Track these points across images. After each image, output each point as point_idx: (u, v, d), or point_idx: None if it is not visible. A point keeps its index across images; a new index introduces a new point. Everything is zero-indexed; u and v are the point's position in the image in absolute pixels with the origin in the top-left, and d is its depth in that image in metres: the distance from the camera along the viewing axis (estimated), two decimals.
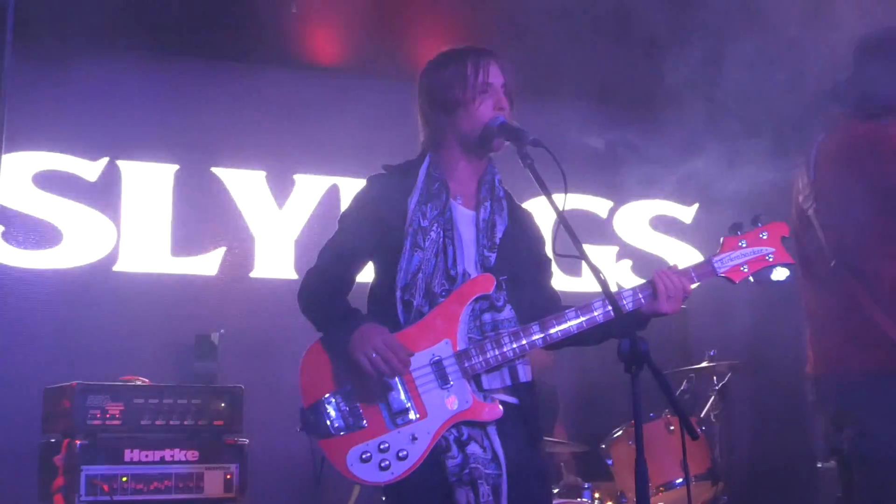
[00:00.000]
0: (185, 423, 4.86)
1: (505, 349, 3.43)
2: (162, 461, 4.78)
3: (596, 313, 3.49)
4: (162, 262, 6.75)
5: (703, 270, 3.73)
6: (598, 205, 7.85)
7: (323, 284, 3.57)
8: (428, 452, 3.37)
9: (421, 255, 3.47)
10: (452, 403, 3.41)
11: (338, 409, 3.39)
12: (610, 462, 6.00)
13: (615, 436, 6.02)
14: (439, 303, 3.45)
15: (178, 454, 4.81)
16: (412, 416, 3.38)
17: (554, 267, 7.13)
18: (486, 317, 3.49)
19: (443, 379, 3.41)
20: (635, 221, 7.96)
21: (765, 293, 7.79)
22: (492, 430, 3.44)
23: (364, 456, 3.35)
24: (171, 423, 4.84)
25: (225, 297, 6.77)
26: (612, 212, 7.90)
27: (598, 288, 3.21)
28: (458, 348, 3.42)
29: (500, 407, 3.44)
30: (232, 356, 6.29)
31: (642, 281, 7.58)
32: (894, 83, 4.19)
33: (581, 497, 5.84)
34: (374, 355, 3.30)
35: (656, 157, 7.38)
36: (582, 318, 3.48)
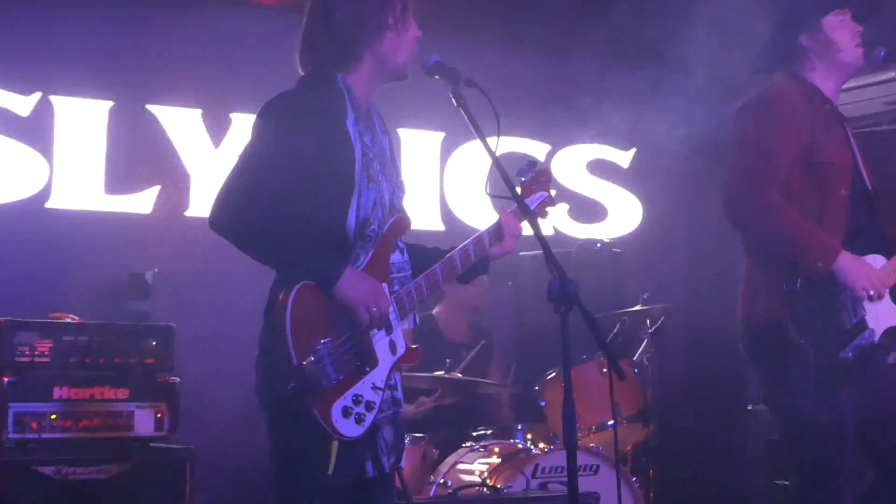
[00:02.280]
0: (116, 361, 4.80)
1: (425, 293, 3.46)
2: (91, 399, 4.74)
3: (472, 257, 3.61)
4: (95, 199, 6.65)
5: (521, 214, 3.69)
6: (535, 148, 7.83)
7: (275, 214, 3.23)
8: (382, 400, 3.33)
9: (375, 188, 3.38)
10: (394, 349, 3.40)
11: (326, 362, 3.18)
12: (543, 404, 6.03)
13: (548, 378, 6.05)
14: (378, 240, 3.39)
15: (108, 392, 4.77)
16: (370, 365, 3.31)
17: (489, 208, 7.18)
18: (394, 257, 3.46)
19: (388, 326, 3.37)
20: (573, 165, 7.95)
21: (696, 238, 7.90)
22: (396, 377, 3.47)
23: (347, 409, 3.21)
24: (101, 360, 4.78)
25: (159, 236, 6.69)
26: (549, 155, 7.89)
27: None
28: (393, 293, 3.41)
29: (420, 350, 3.50)
30: (165, 295, 6.24)
31: (579, 224, 7.66)
32: (781, 40, 4.33)
33: (514, 438, 5.86)
34: (374, 310, 3.24)
35: (594, 100, 7.39)
36: (460, 269, 3.58)
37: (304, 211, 3.28)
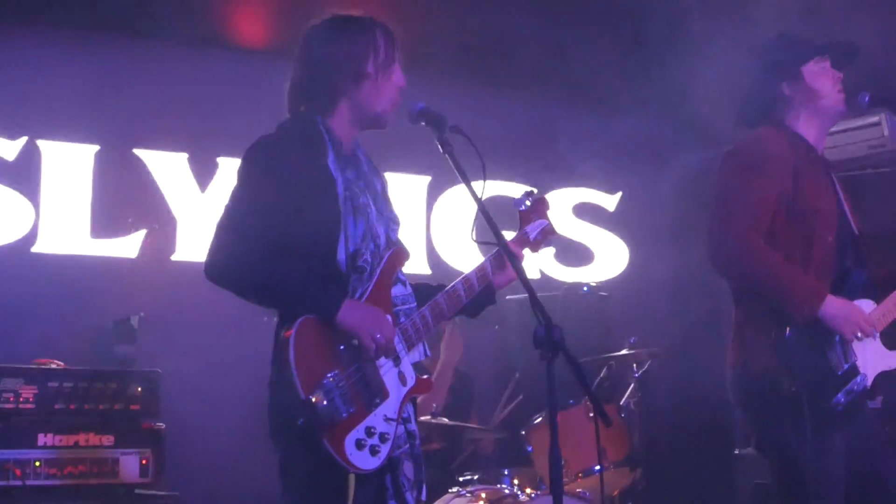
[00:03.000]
0: (101, 407, 4.79)
1: (429, 321, 3.48)
2: (76, 446, 4.72)
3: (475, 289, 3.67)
4: (81, 243, 6.65)
5: (521, 241, 3.94)
6: (520, 192, 7.84)
7: (266, 256, 3.26)
8: (397, 433, 3.34)
9: (364, 221, 3.41)
10: (404, 381, 3.42)
11: (335, 395, 3.17)
12: (530, 449, 6.01)
13: (535, 422, 6.04)
14: (376, 273, 3.41)
15: (93, 438, 4.75)
16: (380, 397, 3.31)
17: (476, 252, 7.17)
18: (395, 290, 3.49)
19: (395, 357, 3.39)
20: (559, 209, 7.97)
21: (683, 283, 7.91)
22: (410, 409, 3.48)
23: (361, 442, 3.21)
24: (87, 406, 4.76)
25: (145, 281, 6.68)
26: None
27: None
28: (398, 324, 3.42)
29: (432, 381, 3.55)
30: (151, 340, 6.21)
31: (565, 268, 7.67)
32: (762, 90, 4.36)
33: (501, 483, 5.84)
34: (378, 337, 3.25)
35: (581, 145, 7.42)
36: (462, 300, 3.62)
37: (295, 249, 3.31)
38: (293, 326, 3.18)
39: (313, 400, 3.10)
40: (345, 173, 3.42)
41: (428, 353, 3.57)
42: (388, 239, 3.53)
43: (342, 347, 3.24)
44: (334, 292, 3.26)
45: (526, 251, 3.94)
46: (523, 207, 3.98)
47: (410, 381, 3.42)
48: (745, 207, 4.10)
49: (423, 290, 3.66)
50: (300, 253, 3.32)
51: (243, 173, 3.39)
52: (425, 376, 3.51)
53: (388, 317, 3.37)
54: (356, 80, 3.49)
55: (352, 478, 3.20)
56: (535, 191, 4.05)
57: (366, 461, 3.20)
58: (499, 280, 3.72)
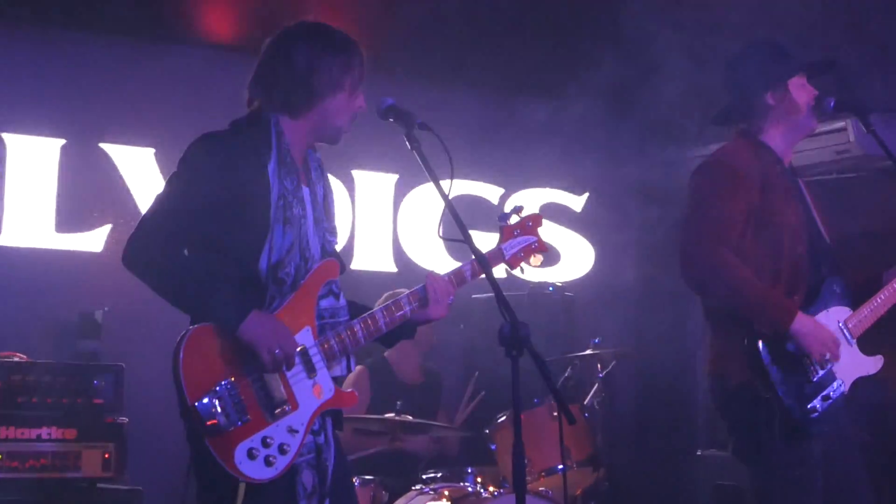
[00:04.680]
0: (64, 401, 4.76)
1: (359, 336, 3.46)
2: (38, 439, 4.69)
3: (408, 312, 3.60)
4: (46, 237, 6.60)
5: (496, 258, 3.86)
6: (489, 191, 7.87)
7: (175, 256, 3.29)
8: (302, 444, 3.31)
9: (292, 232, 3.37)
10: (319, 393, 3.39)
11: (226, 403, 3.17)
12: (494, 447, 6.02)
13: (499, 421, 6.05)
14: (300, 284, 3.39)
15: (56, 432, 4.72)
16: (287, 408, 3.29)
17: (443, 251, 7.18)
18: (325, 303, 3.47)
19: (310, 369, 3.37)
20: (526, 209, 7.99)
21: (648, 284, 7.95)
22: (328, 421, 3.47)
23: (253, 452, 3.19)
24: (49, 400, 4.73)
25: (110, 275, 6.59)
26: (503, 199, 7.93)
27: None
28: (317, 336, 3.40)
29: (357, 394, 3.50)
30: (116, 335, 6.19)
31: (531, 268, 7.66)
32: (746, 95, 4.39)
33: (464, 481, 5.84)
34: (277, 352, 3.22)
35: (547, 146, 7.44)
36: (398, 315, 3.57)
37: (217, 251, 3.33)
38: (187, 333, 3.20)
39: (197, 406, 3.14)
40: (283, 181, 3.39)
41: (351, 368, 3.54)
42: (324, 251, 3.53)
43: (243, 358, 3.23)
44: (238, 303, 3.23)
45: (502, 266, 3.92)
46: (505, 223, 3.93)
47: (327, 394, 3.39)
48: (715, 223, 4.11)
49: (359, 308, 3.63)
50: (222, 255, 3.33)
51: (181, 166, 3.40)
52: (349, 390, 3.49)
53: (308, 329, 3.37)
54: (333, 90, 3.50)
55: (242, 486, 3.18)
56: (524, 207, 4.00)
57: (258, 471, 3.19)
58: (419, 316, 3.64)
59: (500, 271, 3.78)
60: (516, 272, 3.99)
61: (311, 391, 3.36)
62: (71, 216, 6.67)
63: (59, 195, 6.65)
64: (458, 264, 7.21)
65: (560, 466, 5.37)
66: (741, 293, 4.04)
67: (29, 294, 6.41)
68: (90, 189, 6.75)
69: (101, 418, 4.86)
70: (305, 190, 3.51)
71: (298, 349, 3.32)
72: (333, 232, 3.62)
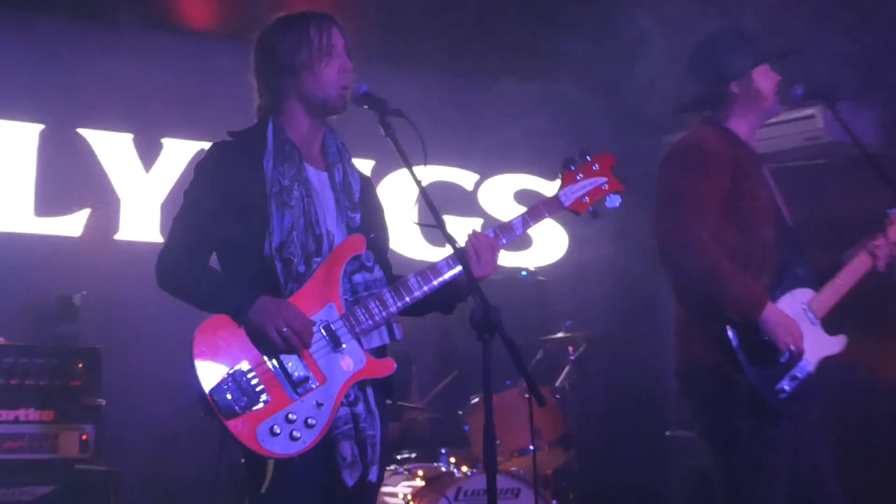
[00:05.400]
0: (41, 383, 4.74)
1: (390, 308, 3.45)
2: (16, 421, 4.68)
3: (446, 275, 3.52)
4: (24, 221, 6.59)
5: (552, 206, 3.75)
6: (464, 177, 7.88)
7: (189, 260, 3.44)
8: (332, 417, 3.34)
9: (291, 213, 3.43)
10: (349, 365, 3.40)
11: (241, 388, 3.25)
12: (467, 428, 6.05)
13: (472, 403, 6.08)
14: (314, 262, 3.43)
15: (33, 414, 4.71)
16: (313, 384, 3.33)
17: (419, 237, 7.18)
18: (358, 277, 3.50)
19: (335, 342, 3.39)
20: (500, 194, 8.01)
21: (620, 269, 7.98)
22: (369, 391, 3.49)
23: (274, 429, 3.25)
24: (27, 382, 4.72)
25: (89, 259, 6.64)
26: (477, 184, 7.94)
27: None
28: (342, 311, 3.42)
29: (392, 363, 3.48)
30: (94, 318, 6.16)
31: (505, 252, 7.67)
32: (712, 85, 4.41)
33: (438, 461, 5.87)
34: (285, 330, 3.27)
35: (523, 132, 7.45)
36: (434, 281, 3.51)
37: (231, 248, 3.46)
38: (199, 327, 3.28)
39: (211, 393, 3.21)
40: (278, 169, 3.47)
41: (396, 336, 3.54)
42: (349, 228, 3.54)
43: (258, 342, 3.30)
44: (248, 294, 3.32)
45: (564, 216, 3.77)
46: (567, 169, 3.77)
47: (358, 365, 3.41)
48: (693, 206, 4.12)
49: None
50: (235, 251, 3.46)
51: (189, 184, 3.53)
52: (385, 359, 3.48)
53: (332, 305, 3.40)
54: (293, 73, 3.55)
55: (270, 461, 3.26)
56: (590, 149, 3.81)
57: (282, 447, 3.25)
58: (477, 271, 3.53)
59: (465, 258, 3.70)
60: (586, 216, 3.81)
61: (339, 364, 3.38)
62: (50, 200, 6.66)
63: (37, 180, 6.64)
64: (434, 249, 7.31)
65: (531, 447, 5.38)
66: (717, 279, 4.05)
67: (7, 277, 6.38)
68: (69, 174, 6.74)
69: (79, 400, 4.86)
70: (315, 173, 3.58)
71: (321, 325, 3.37)
72: (355, 209, 3.60)
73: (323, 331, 3.38)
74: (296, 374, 3.31)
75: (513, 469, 5.66)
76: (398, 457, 5.95)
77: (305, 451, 3.28)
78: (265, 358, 3.31)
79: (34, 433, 4.68)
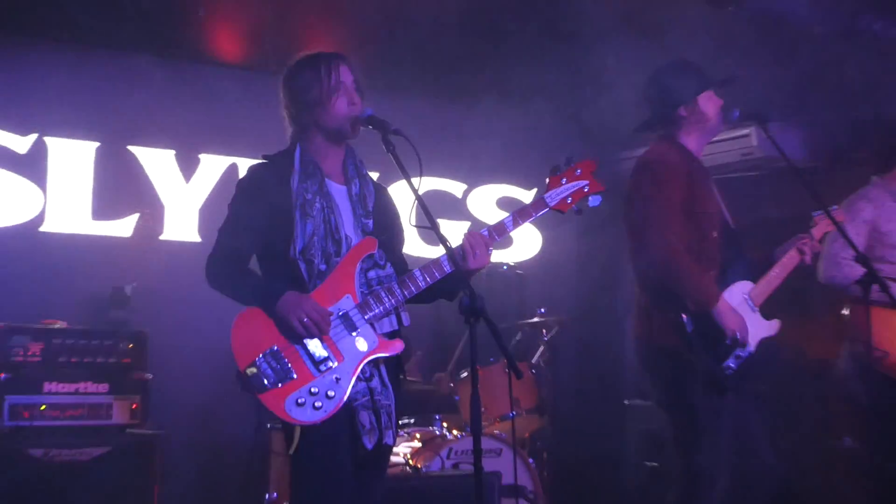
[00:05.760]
0: (98, 360, 4.73)
1: (398, 297, 3.48)
2: (76, 392, 4.66)
3: (447, 269, 3.52)
4: (83, 224, 6.55)
5: (538, 206, 3.68)
6: (454, 187, 7.85)
7: (231, 264, 3.51)
8: (349, 389, 3.38)
9: (312, 222, 3.47)
10: (363, 345, 3.44)
11: (270, 367, 3.32)
12: (457, 398, 6.04)
13: (462, 377, 6.06)
14: (334, 262, 3.46)
15: (90, 387, 4.69)
16: (332, 362, 3.37)
17: (416, 236, 7.14)
18: (372, 273, 3.53)
19: (351, 327, 3.42)
20: (485, 202, 7.98)
21: (584, 264, 7.97)
22: (382, 368, 3.52)
23: (299, 401, 3.31)
24: (85, 360, 4.70)
25: (137, 256, 6.61)
26: (465, 193, 7.92)
27: None
28: (358, 300, 3.45)
29: (401, 343, 3.52)
30: (142, 306, 6.14)
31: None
32: (664, 108, 4.40)
33: (433, 426, 5.86)
34: (305, 319, 3.31)
35: (504, 148, 7.43)
36: (437, 273, 3.51)
37: (263, 252, 3.55)
38: (236, 318, 3.37)
39: (246, 373, 3.27)
40: (302, 185, 3.52)
41: (404, 322, 3.57)
42: (363, 232, 3.58)
43: (285, 329, 3.36)
44: (274, 289, 3.38)
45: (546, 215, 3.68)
46: (553, 175, 3.70)
47: (371, 346, 3.44)
48: (659, 211, 4.12)
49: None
50: (269, 255, 3.54)
51: (232, 198, 3.60)
52: (395, 340, 3.51)
53: (348, 296, 3.44)
54: (310, 109, 3.60)
55: (297, 428, 3.32)
56: (574, 157, 3.76)
57: (306, 415, 3.30)
58: (472, 263, 3.51)
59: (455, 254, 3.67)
60: (570, 213, 3.71)
61: (354, 345, 3.42)
62: (104, 207, 6.63)
63: (94, 189, 6.60)
64: (428, 248, 7.27)
65: (511, 413, 5.37)
66: (679, 275, 4.05)
67: (68, 271, 6.35)
68: (120, 184, 6.70)
69: (129, 375, 4.83)
70: (336, 188, 3.61)
71: (339, 313, 3.41)
72: (368, 216, 3.63)
73: (340, 318, 3.40)
74: (317, 354, 3.35)
75: (496, 432, 5.65)
76: (399, 422, 5.92)
77: (328, 419, 3.31)
78: (290, 342, 3.34)
79: (91, 403, 4.67)
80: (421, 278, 3.50)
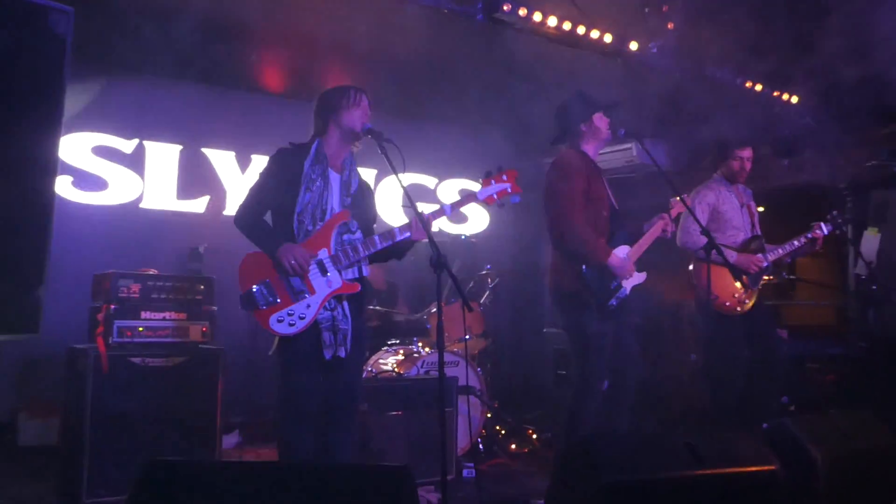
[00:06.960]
0: (178, 297, 4.66)
1: (361, 253, 3.45)
2: (164, 319, 4.59)
3: (398, 237, 3.53)
4: (171, 202, 6.47)
5: (470, 198, 3.71)
6: (428, 180, 7.79)
7: (252, 215, 3.48)
8: (317, 314, 3.35)
9: (311, 194, 3.43)
10: (330, 284, 3.41)
11: (262, 293, 3.32)
12: (429, 326, 6.01)
13: (432, 311, 6.03)
14: (319, 225, 3.43)
15: (174, 315, 4.62)
16: (306, 294, 3.36)
17: (401, 214, 7.00)
18: (346, 237, 3.50)
19: (323, 271, 3.40)
20: (451, 191, 7.94)
21: (517, 235, 7.95)
22: (345, 304, 3.47)
23: (279, 319, 3.31)
24: (171, 296, 4.63)
25: (208, 226, 6.54)
26: (436, 185, 7.86)
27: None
28: (331, 253, 3.43)
29: (359, 286, 3.49)
30: (210, 260, 6.09)
31: (453, 225, 7.54)
32: (570, 125, 4.37)
33: (412, 345, 5.84)
34: (293, 261, 3.29)
35: (464, 152, 7.37)
36: (391, 240, 3.51)
37: (276, 211, 3.49)
38: (244, 257, 3.40)
39: (245, 293, 3.32)
40: (311, 168, 3.47)
41: (364, 273, 3.52)
42: (343, 206, 3.53)
43: (278, 267, 3.35)
44: (276, 240, 3.36)
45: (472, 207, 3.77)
46: (485, 178, 3.71)
47: (335, 285, 3.41)
48: (569, 201, 4.11)
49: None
50: (278, 213, 3.47)
51: (263, 168, 3.55)
52: (354, 283, 3.46)
53: (324, 250, 3.40)
54: (336, 111, 3.56)
55: (276, 338, 3.35)
56: (502, 167, 3.77)
57: (283, 329, 3.32)
58: (410, 237, 3.57)
59: (434, 227, 3.65)
60: (495, 206, 3.78)
61: (324, 283, 3.40)
62: (185, 190, 6.54)
63: (178, 178, 6.51)
64: (399, 221, 7.21)
65: (465, 336, 5.37)
66: (584, 243, 4.05)
67: (159, 236, 6.28)
68: (197, 175, 6.61)
69: (201, 307, 4.76)
70: (334, 175, 3.54)
71: (316, 260, 3.38)
72: (349, 196, 3.57)
73: (316, 264, 3.39)
74: (296, 287, 3.35)
75: (455, 350, 5.64)
76: (388, 342, 5.91)
77: (299, 334, 3.32)
78: (279, 277, 3.33)
79: (174, 326, 4.60)
80: (380, 241, 3.49)
